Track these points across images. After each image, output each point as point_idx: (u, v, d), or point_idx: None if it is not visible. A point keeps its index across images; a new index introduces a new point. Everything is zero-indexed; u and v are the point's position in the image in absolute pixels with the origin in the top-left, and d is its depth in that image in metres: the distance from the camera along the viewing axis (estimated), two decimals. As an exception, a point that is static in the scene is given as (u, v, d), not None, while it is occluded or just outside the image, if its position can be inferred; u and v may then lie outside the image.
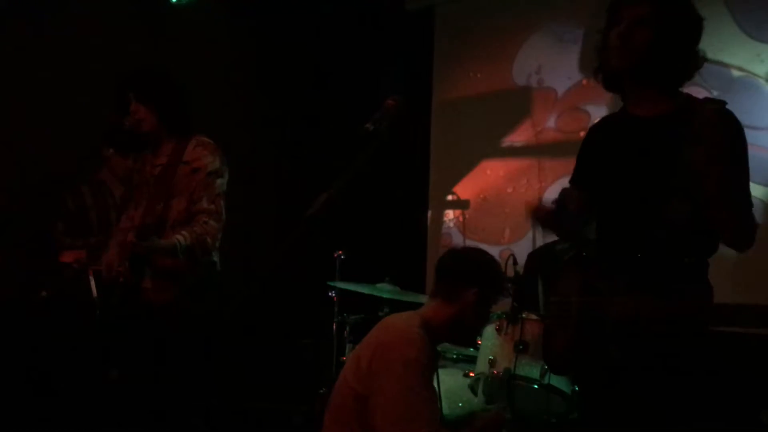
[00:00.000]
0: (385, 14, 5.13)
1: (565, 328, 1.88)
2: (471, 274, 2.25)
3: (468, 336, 2.38)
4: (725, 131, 1.66)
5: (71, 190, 3.54)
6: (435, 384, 2.18)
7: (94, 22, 3.90)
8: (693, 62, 1.77)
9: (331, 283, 3.64)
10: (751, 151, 1.79)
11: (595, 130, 2.02)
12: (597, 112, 4.31)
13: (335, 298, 3.73)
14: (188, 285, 2.64)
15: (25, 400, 3.01)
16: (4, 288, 3.26)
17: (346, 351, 3.59)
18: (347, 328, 3.65)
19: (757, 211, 1.94)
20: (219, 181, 2.71)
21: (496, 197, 4.76)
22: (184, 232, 2.57)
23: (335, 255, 3.82)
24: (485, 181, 4.83)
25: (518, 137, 4.72)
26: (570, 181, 2.06)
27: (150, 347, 2.58)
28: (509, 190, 4.69)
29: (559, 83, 4.59)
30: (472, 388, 2.91)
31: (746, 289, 3.47)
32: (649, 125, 1.79)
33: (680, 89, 1.82)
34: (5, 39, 3.54)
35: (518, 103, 4.73)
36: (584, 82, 4.43)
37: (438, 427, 2.03)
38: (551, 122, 4.60)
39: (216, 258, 2.75)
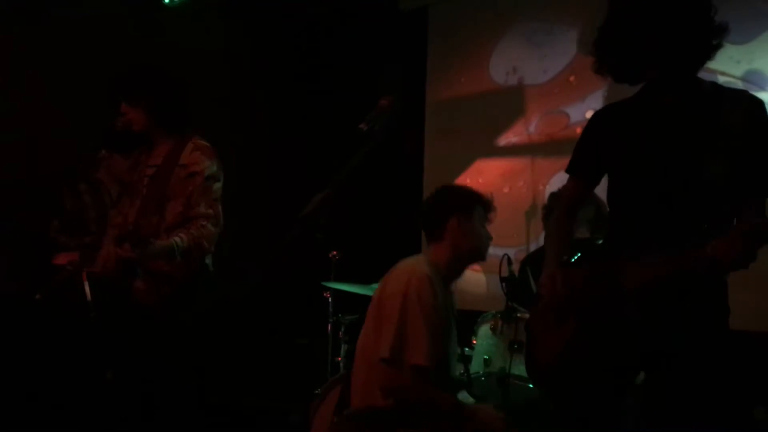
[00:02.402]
0: (379, 14, 5.13)
1: (559, 324, 1.85)
2: (442, 208, 2.39)
3: (474, 258, 2.43)
4: (764, 119, 1.70)
5: (69, 189, 3.52)
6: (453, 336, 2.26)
7: (88, 23, 3.89)
8: (709, 39, 1.70)
9: (326, 284, 3.64)
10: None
11: (605, 118, 1.93)
12: (576, 111, 4.35)
13: (330, 299, 3.73)
14: (181, 286, 2.62)
15: (20, 403, 3.00)
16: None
17: (341, 351, 3.59)
18: (342, 329, 3.65)
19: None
20: (216, 185, 2.69)
21: (491, 196, 4.78)
22: (181, 234, 2.55)
23: (330, 255, 3.82)
24: (480, 180, 4.83)
25: (511, 136, 4.73)
26: (568, 171, 2.01)
27: (142, 348, 2.57)
28: (506, 189, 4.70)
29: (537, 80, 4.64)
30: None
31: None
32: (679, 111, 1.76)
33: (698, 74, 1.79)
34: (2, 39, 3.54)
35: (505, 103, 4.76)
36: (571, 78, 4.46)
37: (434, 365, 2.08)
38: (537, 121, 4.62)
39: (209, 260, 2.73)
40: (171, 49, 4.17)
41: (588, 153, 1.95)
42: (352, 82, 4.93)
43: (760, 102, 1.73)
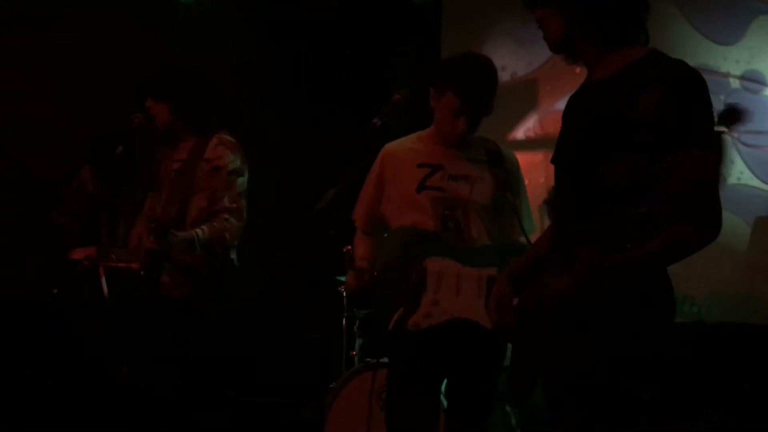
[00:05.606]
0: (392, 7, 5.11)
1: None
2: (437, 78, 2.32)
3: (440, 141, 2.42)
4: (680, 81, 1.40)
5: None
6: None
7: (100, 22, 3.91)
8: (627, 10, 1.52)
9: (340, 278, 3.64)
10: (754, 151, 1.68)
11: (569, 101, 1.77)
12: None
13: (344, 293, 3.73)
14: (206, 281, 2.66)
15: (35, 397, 3.03)
16: (15, 285, 3.28)
17: (356, 346, 3.59)
18: (356, 323, 3.64)
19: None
20: (240, 180, 2.74)
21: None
22: (203, 227, 2.61)
23: (344, 250, 3.81)
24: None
25: (525, 129, 4.70)
26: (552, 162, 1.80)
27: (166, 341, 2.61)
28: (526, 182, 4.67)
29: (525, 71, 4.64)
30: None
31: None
32: (599, 87, 1.56)
33: (634, 44, 1.55)
34: (14, 39, 3.56)
35: (518, 97, 4.72)
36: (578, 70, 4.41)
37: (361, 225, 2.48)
38: (542, 115, 4.60)
39: (233, 255, 2.77)
40: (185, 47, 4.18)
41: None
42: (365, 77, 4.91)
43: (691, 81, 1.40)
